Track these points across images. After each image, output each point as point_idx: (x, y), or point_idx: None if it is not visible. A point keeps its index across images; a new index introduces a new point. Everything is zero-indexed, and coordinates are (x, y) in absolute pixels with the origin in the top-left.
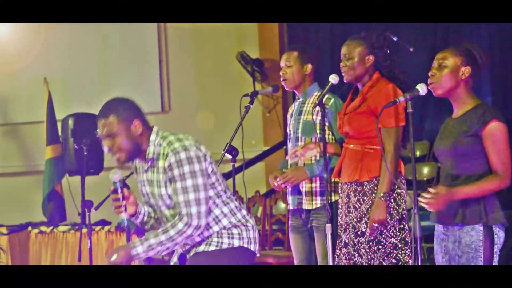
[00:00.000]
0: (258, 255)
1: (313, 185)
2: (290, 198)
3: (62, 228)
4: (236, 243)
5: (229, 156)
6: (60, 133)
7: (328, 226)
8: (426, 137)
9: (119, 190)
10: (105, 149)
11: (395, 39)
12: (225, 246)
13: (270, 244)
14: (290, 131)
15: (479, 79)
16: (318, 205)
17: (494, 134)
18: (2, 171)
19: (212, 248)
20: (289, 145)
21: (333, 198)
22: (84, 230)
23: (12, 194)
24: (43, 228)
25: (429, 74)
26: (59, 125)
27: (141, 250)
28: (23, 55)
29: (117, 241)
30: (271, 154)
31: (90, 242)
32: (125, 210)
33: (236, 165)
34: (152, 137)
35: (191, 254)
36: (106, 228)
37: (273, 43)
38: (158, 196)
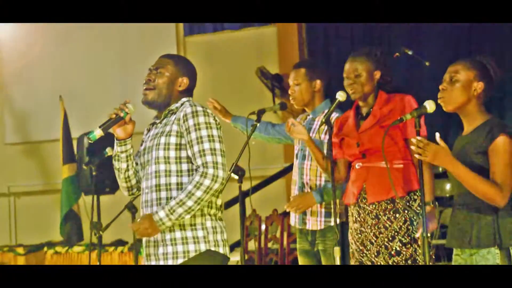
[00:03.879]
0: (229, 257)
1: (319, 205)
2: (296, 217)
3: (76, 248)
4: (203, 247)
5: (235, 176)
6: (75, 152)
7: (337, 249)
8: None
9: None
10: (145, 79)
11: (410, 53)
12: (192, 254)
13: (289, 263)
14: (296, 147)
15: (491, 93)
16: (323, 227)
17: (498, 147)
18: (23, 190)
19: (180, 260)
20: (296, 162)
21: (338, 220)
22: (96, 251)
23: (32, 213)
24: (59, 249)
25: (440, 87)
26: (75, 143)
27: (163, 215)
28: (41, 72)
29: (130, 262)
30: (291, 171)
31: (100, 264)
32: (115, 121)
33: (244, 186)
34: (184, 98)
35: None
36: (120, 249)
37: (293, 58)
38: (154, 147)
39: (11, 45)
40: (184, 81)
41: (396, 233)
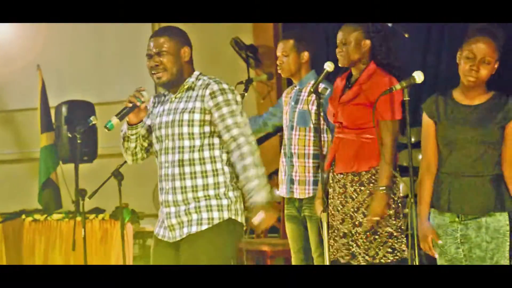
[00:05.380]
0: (245, 227)
1: (307, 174)
2: (283, 187)
3: (56, 216)
4: (226, 215)
5: None
6: (53, 121)
7: (324, 215)
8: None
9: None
10: (150, 66)
11: (390, 25)
12: (216, 221)
13: (265, 232)
14: (285, 119)
15: None
16: (311, 194)
17: None
18: None
19: (204, 226)
20: (285, 133)
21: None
22: (79, 219)
23: (6, 181)
24: (37, 216)
25: (472, 68)
26: (52, 112)
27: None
28: (17, 42)
29: (111, 229)
30: (265, 141)
31: (84, 231)
32: (130, 109)
33: None
34: (196, 72)
35: (184, 237)
36: (100, 216)
37: (267, 29)
38: (176, 123)
39: None
40: (186, 50)
41: (360, 205)
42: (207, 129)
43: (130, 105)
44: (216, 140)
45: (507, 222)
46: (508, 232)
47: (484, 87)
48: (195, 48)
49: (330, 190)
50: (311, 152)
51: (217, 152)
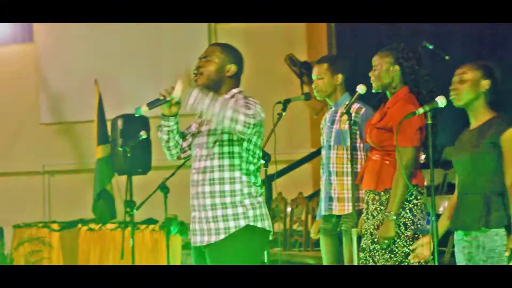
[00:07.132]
0: (270, 230)
1: (345, 191)
2: (322, 204)
3: (110, 226)
4: (242, 223)
5: (262, 161)
6: (109, 133)
7: (354, 230)
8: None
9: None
10: (195, 69)
11: (431, 47)
12: (232, 230)
13: (312, 245)
14: (323, 139)
15: (497, 93)
16: (350, 211)
17: (510, 138)
18: (57, 169)
19: (222, 236)
20: (323, 152)
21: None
22: (129, 229)
23: (65, 191)
24: (92, 226)
25: (450, 88)
26: (109, 125)
27: (196, 93)
28: (77, 55)
29: (161, 240)
30: (318, 156)
31: (133, 241)
32: (160, 102)
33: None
34: (235, 89)
35: (204, 245)
36: (151, 227)
37: (322, 46)
38: (203, 133)
39: (47, 28)
40: (232, 68)
41: (380, 223)
42: (225, 136)
43: (162, 97)
44: (236, 149)
45: (504, 242)
46: (506, 252)
47: (487, 109)
48: (251, 65)
49: (365, 206)
50: (349, 170)
51: (237, 161)
